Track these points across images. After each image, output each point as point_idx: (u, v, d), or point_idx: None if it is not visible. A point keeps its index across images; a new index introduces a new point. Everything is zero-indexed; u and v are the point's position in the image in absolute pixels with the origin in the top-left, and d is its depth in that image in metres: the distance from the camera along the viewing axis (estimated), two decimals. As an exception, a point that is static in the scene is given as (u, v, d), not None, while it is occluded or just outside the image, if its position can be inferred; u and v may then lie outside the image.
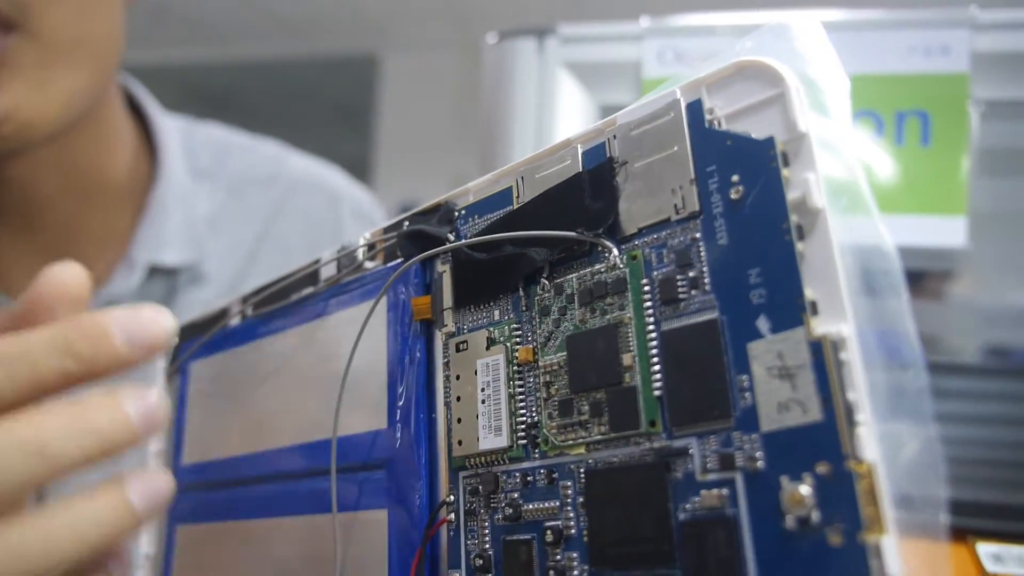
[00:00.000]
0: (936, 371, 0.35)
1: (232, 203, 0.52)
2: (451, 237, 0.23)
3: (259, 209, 0.53)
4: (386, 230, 0.26)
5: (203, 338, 0.31)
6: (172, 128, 0.52)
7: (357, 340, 0.23)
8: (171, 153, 0.49)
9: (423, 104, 2.73)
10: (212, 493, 0.30)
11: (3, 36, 0.34)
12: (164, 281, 0.47)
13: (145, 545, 0.33)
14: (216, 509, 0.29)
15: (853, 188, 0.18)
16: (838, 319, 0.16)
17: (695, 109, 0.19)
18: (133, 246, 0.46)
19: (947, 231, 0.36)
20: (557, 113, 0.39)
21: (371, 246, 0.26)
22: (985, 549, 0.30)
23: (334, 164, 0.59)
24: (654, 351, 0.18)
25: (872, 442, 0.15)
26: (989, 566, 0.29)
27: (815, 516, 0.15)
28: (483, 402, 0.21)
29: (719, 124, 0.18)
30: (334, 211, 0.55)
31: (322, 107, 3.00)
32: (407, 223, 0.25)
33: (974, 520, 0.31)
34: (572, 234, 0.20)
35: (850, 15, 0.37)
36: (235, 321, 0.31)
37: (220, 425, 0.30)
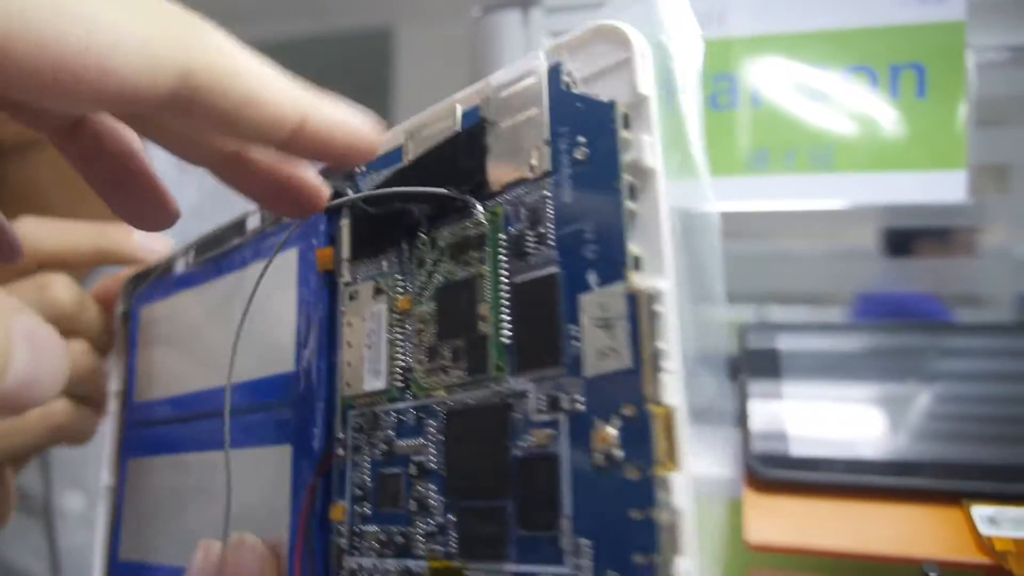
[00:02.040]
0: (962, 332, 0.36)
1: (216, 192, 0.55)
2: (349, 192, 0.24)
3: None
4: (304, 185, 0.27)
5: (145, 283, 0.33)
6: None
7: (255, 290, 0.25)
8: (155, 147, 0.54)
9: (440, 75, 2.73)
10: (160, 429, 0.32)
11: None
12: None
13: (105, 477, 0.35)
14: (163, 443, 0.32)
15: (686, 148, 0.19)
16: (658, 274, 0.17)
17: (555, 72, 0.20)
18: None
19: (947, 186, 0.35)
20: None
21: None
22: (980, 512, 0.30)
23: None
24: (506, 302, 0.19)
25: (675, 388, 0.16)
26: (984, 529, 0.29)
27: (618, 453, 0.16)
28: (368, 347, 0.23)
29: (575, 86, 0.19)
30: None
31: (339, 84, 2.97)
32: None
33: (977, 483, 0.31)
34: (442, 191, 0.21)
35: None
36: (180, 269, 0.33)
37: (166, 365, 0.32)
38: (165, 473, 0.31)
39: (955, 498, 0.31)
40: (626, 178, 0.18)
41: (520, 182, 0.20)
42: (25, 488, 0.51)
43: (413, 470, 0.21)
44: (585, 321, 0.18)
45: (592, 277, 0.18)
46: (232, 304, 0.29)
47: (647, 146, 0.18)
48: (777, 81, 0.37)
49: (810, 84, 0.37)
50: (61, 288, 0.33)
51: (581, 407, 0.17)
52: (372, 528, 0.21)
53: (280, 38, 2.70)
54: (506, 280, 0.20)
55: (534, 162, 0.19)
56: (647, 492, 0.16)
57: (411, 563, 0.20)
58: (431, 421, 0.21)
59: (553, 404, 0.18)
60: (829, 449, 0.34)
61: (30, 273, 0.34)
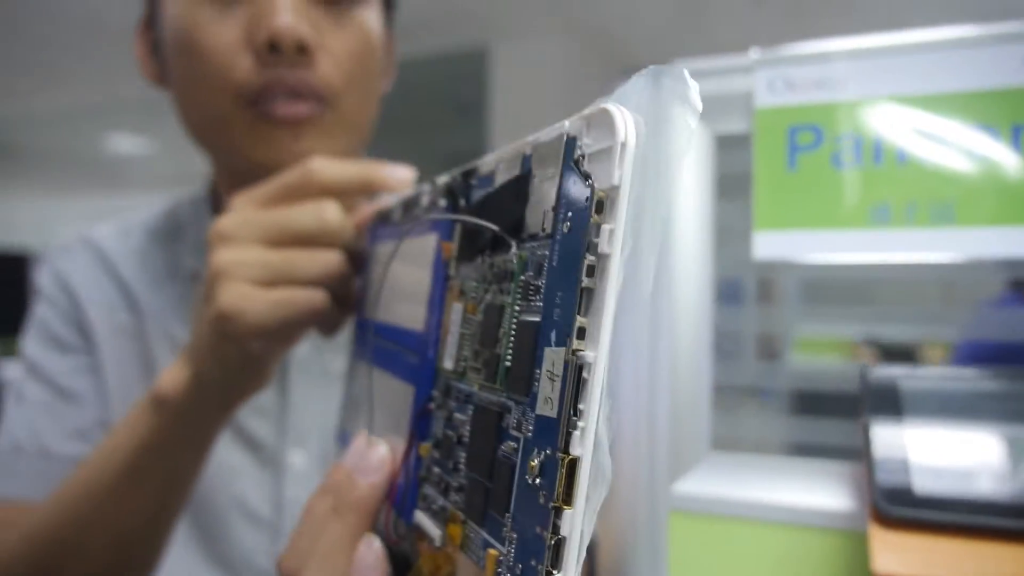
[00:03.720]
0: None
1: None
2: (462, 202, 0.30)
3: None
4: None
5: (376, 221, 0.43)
6: None
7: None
8: None
9: (535, 93, 2.77)
10: (372, 342, 0.43)
11: (319, 106, 0.53)
12: None
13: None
14: (369, 354, 0.42)
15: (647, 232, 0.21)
16: (593, 346, 0.20)
17: (570, 144, 0.23)
18: None
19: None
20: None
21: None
22: None
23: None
24: (513, 333, 0.24)
25: (581, 442, 0.20)
26: None
27: (539, 481, 0.21)
28: (451, 334, 0.29)
29: (583, 161, 0.22)
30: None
31: (438, 104, 3.21)
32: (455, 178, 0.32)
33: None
34: (491, 226, 0.26)
35: (965, 31, 0.37)
36: (394, 219, 0.42)
37: (374, 294, 0.42)
38: (369, 378, 0.41)
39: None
40: (588, 258, 0.21)
41: (536, 235, 0.24)
42: (260, 439, 0.64)
43: (454, 437, 0.27)
44: (543, 370, 0.22)
45: (553, 335, 0.22)
46: (399, 263, 0.37)
47: (606, 234, 0.20)
48: (899, 139, 0.39)
49: (931, 141, 0.38)
50: (331, 210, 0.44)
51: (530, 435, 0.22)
52: (436, 469, 0.29)
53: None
54: (516, 315, 0.24)
55: (545, 224, 0.23)
56: (546, 518, 0.20)
57: (447, 505, 0.27)
58: (469, 405, 0.27)
59: (518, 425, 0.23)
60: (953, 488, 0.34)
61: (314, 198, 0.46)
